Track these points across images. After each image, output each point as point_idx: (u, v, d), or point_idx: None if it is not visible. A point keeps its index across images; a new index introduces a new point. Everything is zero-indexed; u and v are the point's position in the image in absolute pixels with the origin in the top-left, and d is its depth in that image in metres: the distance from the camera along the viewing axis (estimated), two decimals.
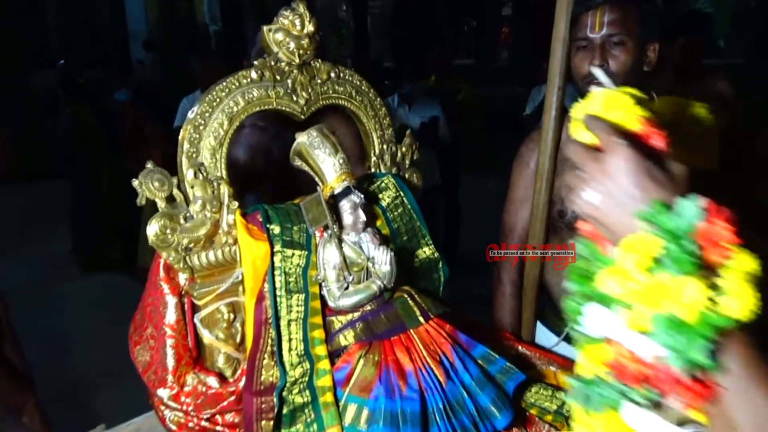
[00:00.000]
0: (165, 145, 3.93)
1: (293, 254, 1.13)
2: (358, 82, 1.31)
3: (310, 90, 1.23)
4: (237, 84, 1.17)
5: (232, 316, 1.17)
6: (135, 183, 1.09)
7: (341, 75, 1.28)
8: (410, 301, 1.10)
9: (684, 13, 4.22)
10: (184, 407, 1.08)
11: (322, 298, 1.12)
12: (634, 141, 0.55)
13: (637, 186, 0.54)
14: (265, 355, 1.08)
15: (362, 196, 1.13)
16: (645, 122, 0.56)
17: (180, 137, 1.14)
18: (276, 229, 1.14)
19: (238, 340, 1.18)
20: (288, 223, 1.15)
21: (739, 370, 0.52)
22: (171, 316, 1.12)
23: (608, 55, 1.30)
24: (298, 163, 1.17)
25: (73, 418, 1.85)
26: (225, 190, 1.15)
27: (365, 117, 1.35)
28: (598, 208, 0.55)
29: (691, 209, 0.52)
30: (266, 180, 1.39)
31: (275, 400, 1.01)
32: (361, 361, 1.03)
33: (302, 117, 1.24)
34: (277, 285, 1.10)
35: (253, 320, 1.10)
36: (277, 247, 1.12)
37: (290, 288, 1.11)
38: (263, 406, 1.02)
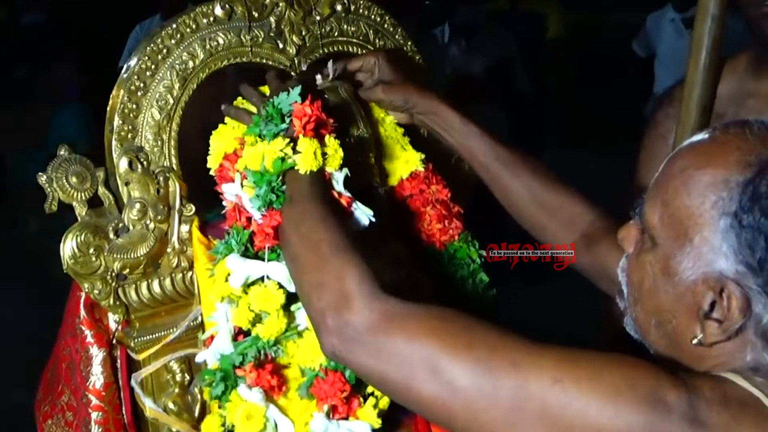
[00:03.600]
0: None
1: None
2: (378, 18, 1.30)
3: (304, 32, 1.21)
4: (193, 26, 1.13)
5: (187, 377, 1.14)
6: (41, 179, 1.06)
7: (351, 8, 1.26)
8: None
9: None
10: None
11: None
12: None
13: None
14: None
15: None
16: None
17: (109, 108, 1.11)
18: None
19: (196, 412, 1.15)
20: None
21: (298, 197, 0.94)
22: (97, 377, 1.10)
23: None
24: None
25: None
26: (176, 187, 1.11)
27: None
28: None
29: (291, 96, 0.98)
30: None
31: None
32: None
33: (293, 73, 1.19)
34: None
35: None
36: None
37: None
38: None
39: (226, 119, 1.10)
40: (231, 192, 1.01)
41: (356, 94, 1.17)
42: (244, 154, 1.00)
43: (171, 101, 1.11)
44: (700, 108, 1.33)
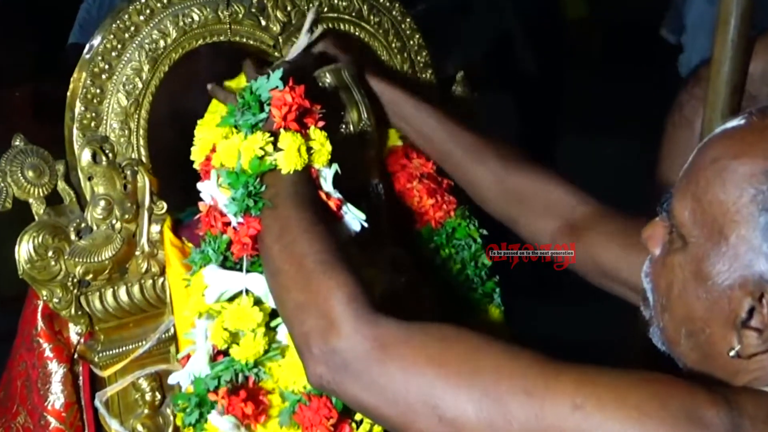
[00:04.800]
0: (48, 101, 3.61)
1: None
2: None
3: (289, 8, 1.20)
4: (164, 0, 1.11)
5: (158, 396, 1.13)
6: None
7: None
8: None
9: None
10: None
11: None
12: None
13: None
14: None
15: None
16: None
17: (69, 93, 1.09)
18: None
19: None
20: None
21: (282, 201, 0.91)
22: (56, 396, 1.09)
23: None
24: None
25: None
26: (146, 182, 1.10)
27: (386, 51, 1.31)
28: None
29: (271, 81, 0.95)
30: None
31: None
32: None
33: (277, 54, 1.19)
34: None
35: None
36: None
37: None
38: None
39: (211, 106, 1.07)
40: (207, 191, 0.98)
41: (361, 79, 1.14)
42: (218, 148, 0.97)
43: (139, 85, 1.09)
44: (730, 88, 1.31)
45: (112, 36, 1.07)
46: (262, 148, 0.91)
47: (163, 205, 1.10)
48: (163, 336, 1.12)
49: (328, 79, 1.12)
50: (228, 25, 1.14)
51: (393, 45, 1.31)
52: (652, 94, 1.60)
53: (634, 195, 1.68)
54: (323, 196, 0.95)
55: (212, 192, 0.97)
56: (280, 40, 1.18)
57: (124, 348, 1.10)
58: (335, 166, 0.95)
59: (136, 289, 1.10)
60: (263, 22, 1.16)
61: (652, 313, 0.83)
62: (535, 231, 1.11)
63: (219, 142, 0.97)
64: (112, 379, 1.10)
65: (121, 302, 1.09)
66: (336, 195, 0.95)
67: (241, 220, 0.92)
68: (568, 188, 1.09)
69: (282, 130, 0.92)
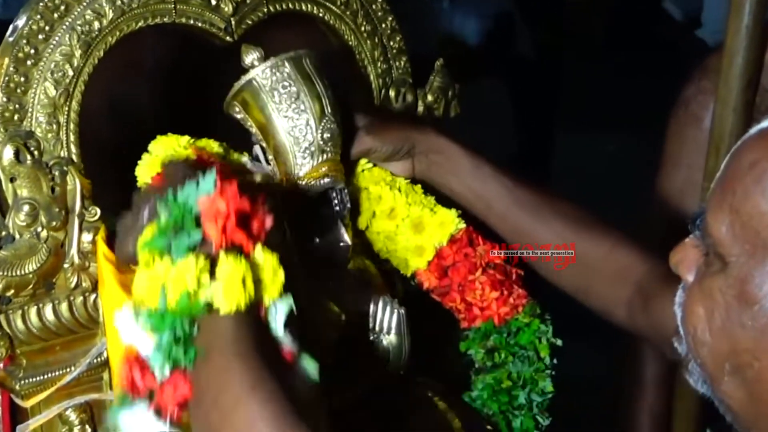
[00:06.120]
0: None
1: None
2: None
3: None
4: None
5: (88, 429, 1.12)
6: None
7: None
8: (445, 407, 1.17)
9: None
10: None
11: None
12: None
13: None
14: None
15: (348, 201, 1.14)
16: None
17: None
18: None
19: None
20: None
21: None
22: None
23: None
24: (241, 116, 1.15)
25: None
26: (76, 184, 1.08)
27: (353, 36, 1.32)
28: None
29: (202, 186, 0.83)
30: None
31: None
32: None
33: (229, 38, 1.19)
34: None
35: None
36: None
37: None
38: None
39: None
40: (123, 327, 0.87)
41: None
42: (136, 279, 0.85)
43: (70, 73, 1.08)
44: (744, 81, 1.30)
45: (39, 16, 1.05)
46: (197, 278, 0.79)
47: (96, 211, 1.08)
48: (95, 361, 1.10)
49: (287, 68, 1.10)
50: (172, 5, 1.13)
51: (363, 28, 1.30)
52: (661, 84, 1.61)
53: (640, 199, 1.69)
54: (273, 340, 0.84)
55: (130, 328, 0.84)
56: (233, 23, 1.17)
57: (49, 374, 1.08)
58: (289, 300, 0.84)
59: (64, 306, 1.08)
60: (213, 2, 1.15)
61: (687, 348, 0.80)
62: (607, 301, 1.10)
63: (137, 273, 0.86)
64: (36, 410, 1.08)
65: (46, 322, 1.07)
66: (289, 344, 0.84)
67: (167, 374, 0.80)
68: (638, 250, 1.09)
69: (221, 253, 0.80)
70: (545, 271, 1.12)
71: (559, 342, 1.19)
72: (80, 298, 1.09)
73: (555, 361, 1.21)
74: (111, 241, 1.09)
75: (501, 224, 1.12)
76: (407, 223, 1.18)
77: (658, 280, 1.03)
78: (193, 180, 0.84)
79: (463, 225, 1.17)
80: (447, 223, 1.16)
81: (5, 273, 1.03)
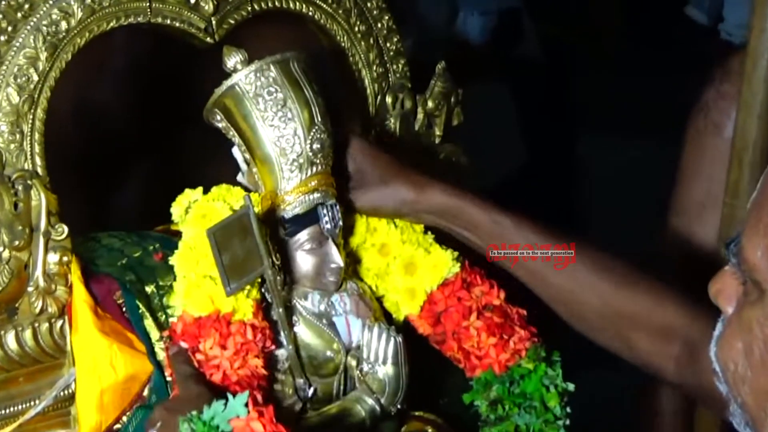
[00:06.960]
0: None
1: None
2: None
3: None
4: None
5: None
6: None
7: None
8: None
9: None
10: None
11: None
12: None
13: None
14: None
15: (340, 218, 1.13)
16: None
17: None
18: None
19: None
20: None
21: None
22: None
23: None
24: (222, 124, 1.14)
25: None
26: (42, 200, 1.08)
27: (346, 37, 1.32)
28: None
29: (230, 408, 0.86)
30: (133, 178, 1.40)
31: None
32: None
33: (210, 39, 1.18)
34: None
35: None
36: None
37: None
38: None
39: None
40: None
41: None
42: None
43: (35, 78, 1.08)
44: None
45: (0, 16, 1.05)
46: None
47: (64, 229, 1.06)
48: (62, 393, 1.09)
49: (272, 72, 1.09)
50: (148, 3, 1.13)
51: (357, 28, 1.30)
52: (685, 85, 1.64)
53: (662, 208, 1.70)
54: None
55: None
56: (214, 22, 1.17)
57: (12, 408, 1.08)
58: None
59: (27, 334, 1.07)
60: (193, 1, 1.14)
61: (727, 388, 0.78)
62: (653, 356, 1.08)
63: None
64: None
65: (8, 351, 1.06)
66: None
67: None
68: (681, 300, 1.08)
69: None
70: (579, 325, 1.11)
71: (571, 387, 1.16)
72: (46, 325, 1.07)
73: (568, 409, 1.17)
74: (86, 284, 1.10)
75: (527, 277, 1.11)
76: (399, 263, 1.17)
77: (702, 331, 1.00)
78: (220, 401, 0.87)
79: (457, 268, 1.15)
80: (440, 265, 1.14)
81: None
